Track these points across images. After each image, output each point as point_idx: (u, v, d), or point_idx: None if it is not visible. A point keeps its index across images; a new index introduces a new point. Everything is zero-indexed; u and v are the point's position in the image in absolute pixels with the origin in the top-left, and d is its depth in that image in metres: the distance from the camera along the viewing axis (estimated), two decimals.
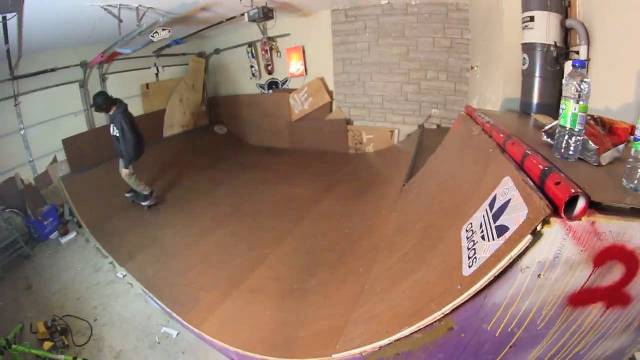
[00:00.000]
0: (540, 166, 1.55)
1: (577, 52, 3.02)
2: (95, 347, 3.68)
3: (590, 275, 1.38)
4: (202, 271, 4.19)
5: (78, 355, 3.51)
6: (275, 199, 5.93)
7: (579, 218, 1.29)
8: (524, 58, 3.44)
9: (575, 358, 1.71)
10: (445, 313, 1.58)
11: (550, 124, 2.09)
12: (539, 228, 1.32)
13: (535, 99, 3.38)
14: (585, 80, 1.63)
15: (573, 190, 1.28)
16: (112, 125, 5.46)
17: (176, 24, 6.22)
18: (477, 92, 5.62)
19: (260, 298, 3.55)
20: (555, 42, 3.19)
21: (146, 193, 5.98)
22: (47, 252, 5.51)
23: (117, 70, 7.50)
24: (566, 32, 3.24)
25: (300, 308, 3.19)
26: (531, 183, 1.54)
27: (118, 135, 5.37)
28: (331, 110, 8.02)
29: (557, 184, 1.37)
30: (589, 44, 2.92)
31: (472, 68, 5.96)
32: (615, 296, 1.46)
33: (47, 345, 3.62)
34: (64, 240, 5.72)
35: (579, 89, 1.63)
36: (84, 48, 6.49)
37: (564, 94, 1.71)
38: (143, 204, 6.02)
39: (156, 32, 5.40)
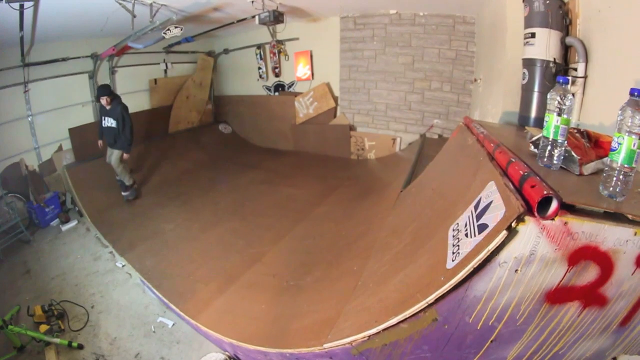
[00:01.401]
0: (520, 171, 1.66)
1: (575, 69, 3.10)
2: (90, 332, 3.72)
3: (566, 273, 1.47)
4: (200, 265, 4.26)
5: (73, 340, 3.56)
6: (276, 199, 6.02)
7: (551, 217, 1.38)
8: (524, 73, 3.52)
9: (555, 357, 1.80)
10: (429, 302, 1.67)
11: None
12: (513, 225, 1.42)
13: (533, 113, 3.46)
14: (567, 95, 1.74)
15: (546, 192, 1.38)
16: (106, 118, 5.80)
17: (187, 22, 6.33)
18: (479, 104, 5.71)
19: (256, 292, 3.63)
20: (555, 59, 3.28)
21: (128, 184, 6.20)
22: (47, 238, 5.58)
23: (126, 64, 7.62)
24: (566, 49, 3.32)
25: (294, 303, 3.27)
26: (511, 186, 1.65)
27: (114, 125, 5.74)
28: (335, 116, 8.11)
29: (533, 186, 1.48)
30: (587, 61, 3.01)
31: (475, 80, 6.04)
32: (591, 296, 1.54)
33: (43, 328, 3.66)
34: (64, 228, 5.81)
35: (561, 103, 1.75)
36: (96, 40, 6.63)
37: (547, 107, 1.83)
38: (123, 193, 6.24)
39: (168, 29, 5.48)
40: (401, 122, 7.34)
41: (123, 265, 4.64)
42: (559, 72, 3.29)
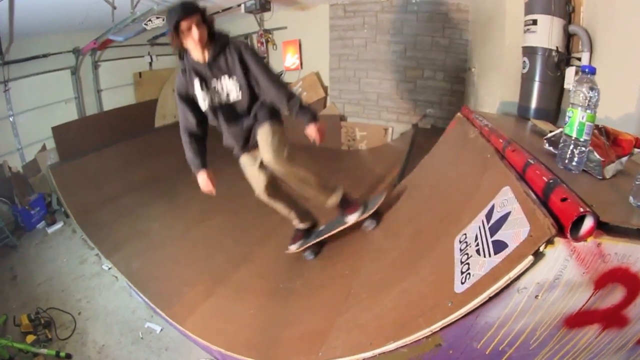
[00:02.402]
0: (544, 178, 1.47)
1: (579, 59, 2.96)
2: (78, 340, 3.64)
3: (590, 297, 1.31)
4: (187, 265, 4.13)
5: (61, 349, 3.49)
6: None
7: (584, 239, 1.21)
8: (524, 61, 3.38)
9: None
10: (434, 331, 1.51)
11: (550, 130, 2.03)
12: (541, 248, 1.24)
13: (534, 104, 3.33)
14: (594, 87, 1.55)
15: (582, 209, 1.20)
16: (216, 82, 2.99)
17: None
18: (473, 94, 5.58)
19: (244, 296, 3.49)
20: (557, 47, 3.13)
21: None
22: (34, 242, 5.46)
23: (109, 58, 7.39)
24: (568, 38, 3.18)
25: (284, 308, 3.13)
26: (533, 196, 1.46)
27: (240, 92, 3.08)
28: (325, 106, 7.91)
29: (564, 199, 1.29)
30: (591, 51, 2.86)
31: (470, 69, 5.91)
32: (613, 318, 1.39)
33: (30, 338, 3.60)
34: (50, 230, 5.67)
35: (587, 96, 1.55)
36: (77, 34, 6.38)
37: (571, 100, 1.63)
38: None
39: (150, 20, 5.30)
40: (393, 111, 7.17)
41: (109, 268, 4.52)
42: (561, 61, 3.15)
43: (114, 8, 5.15)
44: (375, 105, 7.31)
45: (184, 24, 2.48)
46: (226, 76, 2.73)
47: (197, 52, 2.63)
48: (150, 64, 8.31)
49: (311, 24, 7.45)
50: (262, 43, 8.10)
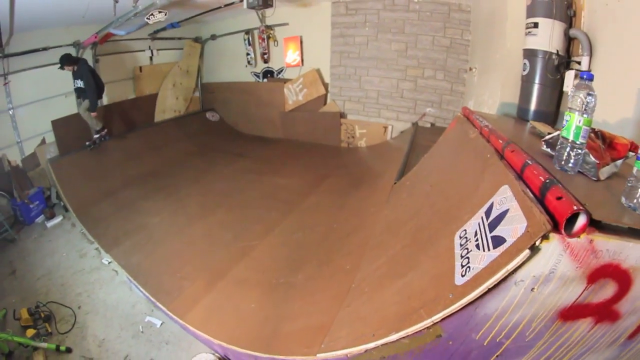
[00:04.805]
0: (540, 177, 1.54)
1: (579, 62, 3.01)
2: (78, 334, 3.62)
3: (583, 291, 1.37)
4: (187, 260, 4.14)
5: (61, 343, 3.48)
6: (264, 189, 5.86)
7: (578, 235, 1.27)
8: (525, 63, 3.43)
9: None
10: (435, 321, 1.57)
11: (549, 132, 2.08)
12: (537, 243, 1.30)
13: (533, 105, 3.38)
14: (592, 93, 1.61)
15: (575, 207, 1.26)
16: (75, 80, 6.17)
17: (173, 6, 6.08)
18: (473, 94, 5.61)
19: (245, 290, 3.52)
20: (557, 50, 3.19)
21: (97, 127, 6.64)
22: (33, 236, 5.43)
23: (110, 52, 7.36)
24: (569, 42, 3.23)
25: (285, 302, 3.17)
26: (530, 194, 1.52)
27: (82, 86, 6.11)
28: (325, 103, 7.96)
29: (559, 198, 1.35)
30: (591, 55, 2.91)
31: (470, 69, 5.94)
32: (605, 312, 1.45)
33: (30, 332, 3.57)
34: (49, 224, 5.65)
35: (584, 101, 1.61)
36: (77, 27, 6.37)
37: (569, 105, 1.69)
38: (94, 136, 6.64)
39: (152, 14, 5.30)
40: (393, 110, 7.22)
41: (109, 262, 4.51)
42: (561, 64, 3.21)
43: (116, 2, 5.14)
44: (375, 103, 7.36)
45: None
46: None
47: None
48: (151, 58, 8.31)
49: (313, 20, 7.49)
50: (263, 39, 8.13)
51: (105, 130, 6.74)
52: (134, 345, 3.46)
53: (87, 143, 6.59)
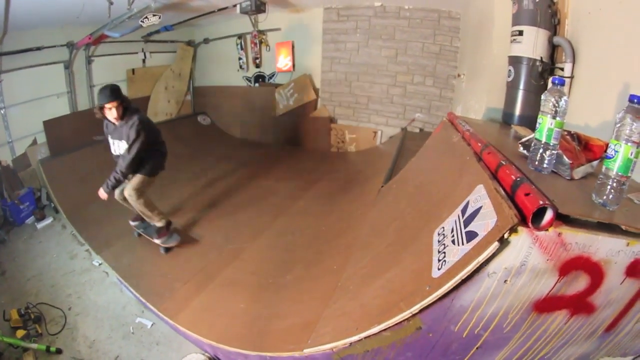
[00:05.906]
0: (512, 176, 1.62)
1: (562, 69, 3.10)
2: (68, 336, 3.61)
3: (556, 284, 1.44)
4: (177, 262, 4.18)
5: (51, 344, 3.46)
6: (254, 193, 5.91)
7: (545, 228, 1.34)
8: (510, 70, 3.52)
9: None
10: (414, 313, 1.62)
11: (527, 135, 2.16)
12: (506, 236, 1.37)
13: (518, 111, 3.46)
14: (563, 97, 1.70)
15: (541, 202, 1.33)
16: (114, 141, 4.09)
17: (167, 10, 6.15)
18: (461, 100, 5.70)
19: (235, 291, 3.57)
20: (542, 57, 3.27)
21: (160, 225, 4.33)
22: (23, 237, 5.38)
23: (103, 53, 7.35)
24: (553, 49, 3.32)
25: (274, 302, 3.23)
26: (502, 192, 1.60)
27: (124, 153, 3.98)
28: (316, 108, 8.03)
29: (527, 194, 1.43)
30: (574, 61, 3.01)
31: (459, 75, 6.05)
32: (580, 304, 1.52)
33: (20, 333, 3.56)
34: (39, 225, 5.61)
35: (556, 105, 1.70)
36: (71, 28, 6.36)
37: (541, 108, 1.78)
38: (156, 240, 4.33)
39: (146, 17, 5.33)
40: (383, 115, 7.32)
41: (100, 264, 4.51)
42: (545, 71, 3.29)
43: (111, 4, 5.16)
44: (365, 109, 7.46)
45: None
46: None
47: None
48: (144, 60, 8.32)
49: (305, 26, 7.57)
50: (255, 44, 8.19)
51: (171, 224, 4.49)
52: (124, 346, 3.47)
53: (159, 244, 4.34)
